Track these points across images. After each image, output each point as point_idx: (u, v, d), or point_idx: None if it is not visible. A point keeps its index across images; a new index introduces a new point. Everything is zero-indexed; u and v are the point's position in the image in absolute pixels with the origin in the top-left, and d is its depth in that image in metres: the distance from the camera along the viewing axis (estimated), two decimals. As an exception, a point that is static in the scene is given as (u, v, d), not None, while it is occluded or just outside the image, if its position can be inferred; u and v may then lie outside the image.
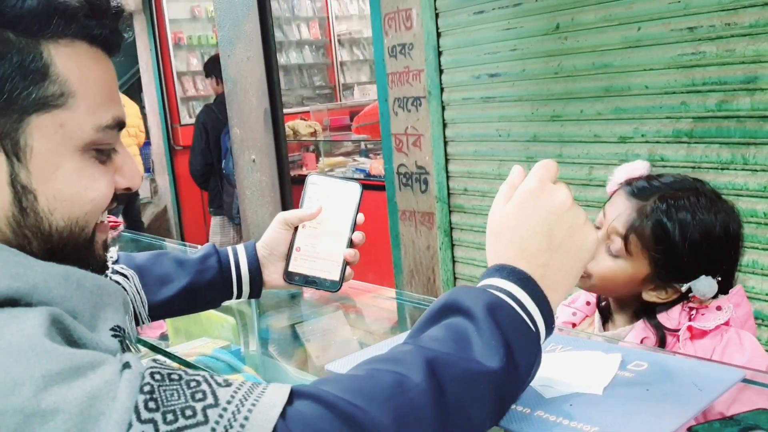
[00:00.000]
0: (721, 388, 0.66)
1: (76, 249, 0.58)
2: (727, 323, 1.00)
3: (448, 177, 2.96)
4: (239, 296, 0.99)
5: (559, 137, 2.49)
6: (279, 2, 6.53)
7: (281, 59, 6.51)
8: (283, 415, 0.44)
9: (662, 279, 1.03)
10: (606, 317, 1.14)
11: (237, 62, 1.32)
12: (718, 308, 1.02)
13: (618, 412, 0.64)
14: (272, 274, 0.98)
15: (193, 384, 0.43)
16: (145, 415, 0.40)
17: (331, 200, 0.95)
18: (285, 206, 3.54)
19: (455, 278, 3.02)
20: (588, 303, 1.18)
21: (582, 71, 2.36)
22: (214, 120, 3.91)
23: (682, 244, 1.00)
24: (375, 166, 3.58)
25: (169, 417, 0.41)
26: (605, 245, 1.05)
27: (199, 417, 0.41)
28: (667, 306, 1.04)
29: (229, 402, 0.43)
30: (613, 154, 2.32)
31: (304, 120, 4.67)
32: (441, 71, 2.89)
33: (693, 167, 2.11)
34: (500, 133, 2.70)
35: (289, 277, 0.96)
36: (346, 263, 0.94)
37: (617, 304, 1.12)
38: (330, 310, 1.39)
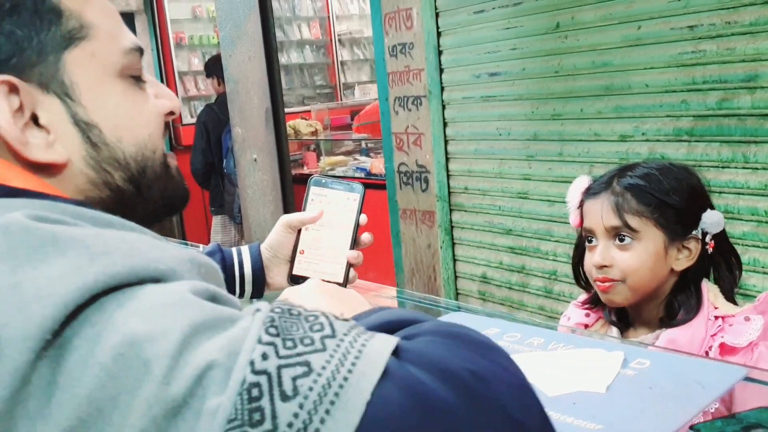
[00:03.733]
0: (724, 385, 0.67)
1: (156, 175, 0.60)
2: None
3: (448, 176, 2.97)
4: (242, 295, 1.00)
5: (559, 136, 2.49)
6: (280, 2, 6.53)
7: (282, 59, 6.50)
8: (395, 351, 0.44)
9: (678, 234, 1.05)
10: (623, 326, 1.12)
11: (238, 62, 1.32)
12: (747, 319, 1.01)
13: (622, 411, 0.64)
14: (276, 276, 0.98)
15: (311, 318, 0.44)
16: (266, 338, 0.41)
17: (334, 202, 0.95)
18: (286, 205, 3.54)
19: (456, 276, 3.03)
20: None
21: (582, 70, 2.36)
22: (215, 120, 3.91)
23: (665, 189, 1.05)
24: (376, 164, 3.58)
25: (289, 343, 0.41)
26: (612, 246, 1.06)
27: (318, 345, 0.41)
28: (690, 315, 1.04)
29: (345, 334, 0.43)
30: (613, 153, 2.32)
31: (305, 119, 4.67)
32: (441, 70, 2.89)
33: (694, 165, 2.10)
34: (500, 131, 2.71)
35: (293, 280, 0.96)
36: (349, 265, 0.94)
37: (637, 311, 1.11)
38: (332, 310, 1.39)
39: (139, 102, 0.60)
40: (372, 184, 3.54)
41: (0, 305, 0.38)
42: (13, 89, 0.52)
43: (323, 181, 0.96)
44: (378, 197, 3.40)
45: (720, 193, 2.06)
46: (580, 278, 1.17)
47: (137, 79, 0.61)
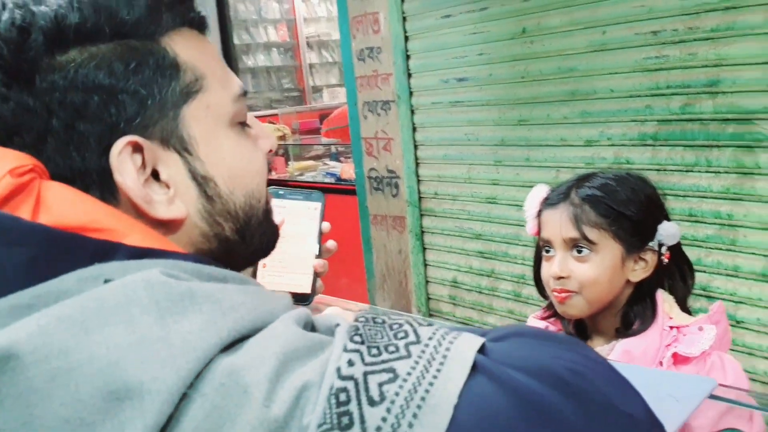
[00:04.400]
0: (698, 397, 0.66)
1: (259, 223, 0.60)
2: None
3: (418, 181, 2.96)
4: None
5: (526, 141, 2.50)
6: (246, 4, 6.47)
7: (249, 62, 6.44)
8: (483, 351, 0.44)
9: (635, 246, 1.05)
10: (582, 338, 1.12)
11: None
12: (700, 329, 1.02)
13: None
14: None
15: (395, 326, 0.44)
16: (351, 346, 0.42)
17: (294, 212, 0.93)
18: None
19: (427, 281, 3.03)
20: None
21: (548, 75, 2.37)
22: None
23: (622, 200, 1.04)
24: (346, 170, 3.56)
25: (374, 350, 0.42)
26: (569, 257, 1.05)
27: (402, 352, 0.42)
28: (645, 325, 1.05)
29: (430, 338, 0.44)
30: (579, 158, 2.34)
31: (273, 123, 4.62)
32: (409, 75, 2.88)
33: (658, 170, 2.14)
34: (469, 137, 2.71)
35: None
36: (316, 275, 0.93)
37: (594, 322, 1.12)
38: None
39: (249, 150, 0.59)
40: (342, 189, 3.52)
41: (149, 357, 0.39)
42: (137, 148, 0.52)
43: (281, 192, 0.94)
44: (348, 203, 3.38)
45: (684, 196, 2.09)
46: (537, 286, 1.17)
47: (244, 125, 0.60)
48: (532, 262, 1.20)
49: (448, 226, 2.87)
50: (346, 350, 0.41)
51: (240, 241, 0.59)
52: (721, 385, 0.70)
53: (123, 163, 0.51)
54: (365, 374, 0.40)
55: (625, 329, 1.07)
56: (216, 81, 0.57)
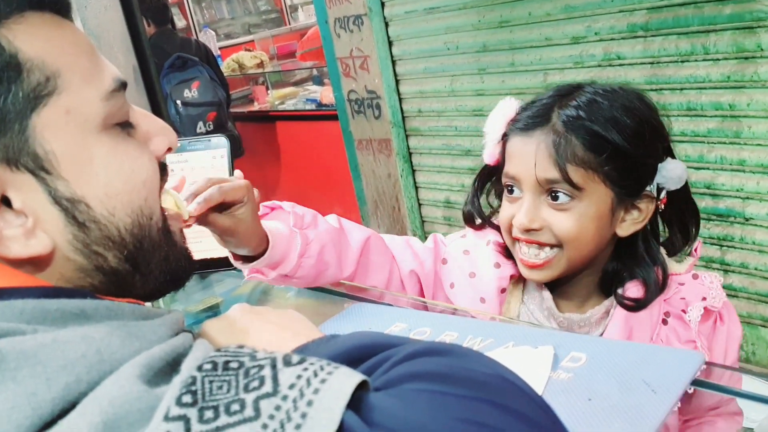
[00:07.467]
0: (679, 385, 0.54)
1: (154, 245, 0.51)
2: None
3: (400, 99, 2.79)
4: None
5: (509, 44, 2.31)
6: (209, -77, 6.06)
7: (221, -15, 6.09)
8: (359, 407, 0.36)
9: (631, 191, 0.80)
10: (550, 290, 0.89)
11: (95, 14, 1.14)
12: (695, 277, 0.83)
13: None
14: None
15: (254, 370, 0.37)
16: (175, 411, 0.35)
17: (198, 166, 0.80)
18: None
19: (419, 204, 2.91)
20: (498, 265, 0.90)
21: (526, -32, 2.15)
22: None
23: (620, 134, 0.78)
24: (325, 94, 3.37)
25: (208, 414, 0.34)
26: (543, 203, 0.80)
27: (248, 411, 0.35)
28: (652, 295, 0.82)
29: (291, 386, 0.36)
30: (567, 57, 2.16)
31: (249, 50, 4.39)
32: (379, -17, 2.66)
33: (651, 62, 1.96)
34: (448, 46, 2.52)
35: None
36: None
37: (564, 283, 0.88)
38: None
39: (131, 156, 0.49)
40: (324, 115, 3.35)
41: None
42: None
43: (178, 144, 0.80)
44: (331, 129, 3.22)
45: (681, 89, 1.92)
46: (474, 221, 0.90)
47: (124, 125, 0.50)
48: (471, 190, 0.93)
49: (436, 144, 2.72)
50: (167, 418, 0.34)
51: (132, 271, 0.49)
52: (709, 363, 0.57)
53: None
54: None
55: (605, 290, 0.86)
56: (78, 77, 0.46)
